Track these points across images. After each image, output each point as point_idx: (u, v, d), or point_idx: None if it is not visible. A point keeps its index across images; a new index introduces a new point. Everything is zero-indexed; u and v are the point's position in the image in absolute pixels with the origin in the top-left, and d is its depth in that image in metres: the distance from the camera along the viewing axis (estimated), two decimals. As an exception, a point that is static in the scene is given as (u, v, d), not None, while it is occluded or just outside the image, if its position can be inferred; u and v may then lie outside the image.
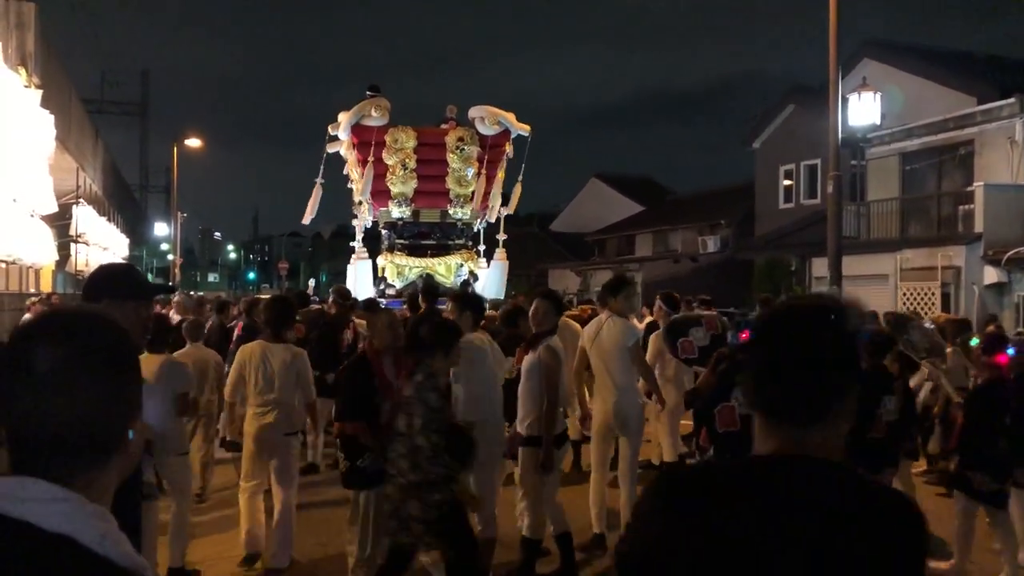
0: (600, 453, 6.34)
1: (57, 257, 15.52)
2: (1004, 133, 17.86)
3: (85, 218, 19.15)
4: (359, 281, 13.25)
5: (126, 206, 34.24)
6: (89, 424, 1.14)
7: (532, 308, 5.98)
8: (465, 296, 5.92)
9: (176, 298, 12.92)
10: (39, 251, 12.67)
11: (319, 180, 13.36)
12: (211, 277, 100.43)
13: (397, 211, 13.30)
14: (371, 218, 13.96)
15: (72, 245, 18.71)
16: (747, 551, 1.35)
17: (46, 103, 12.14)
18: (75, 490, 1.11)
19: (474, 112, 13.20)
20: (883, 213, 20.30)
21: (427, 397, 4.49)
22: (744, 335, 5.58)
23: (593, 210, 38.59)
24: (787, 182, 25.76)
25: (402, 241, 13.51)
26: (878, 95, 16.86)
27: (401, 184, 13.03)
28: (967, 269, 17.06)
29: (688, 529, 1.39)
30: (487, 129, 13.04)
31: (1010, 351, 5.61)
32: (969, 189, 17.95)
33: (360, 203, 13.68)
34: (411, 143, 12.89)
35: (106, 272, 3.00)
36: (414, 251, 13.46)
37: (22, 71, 11.88)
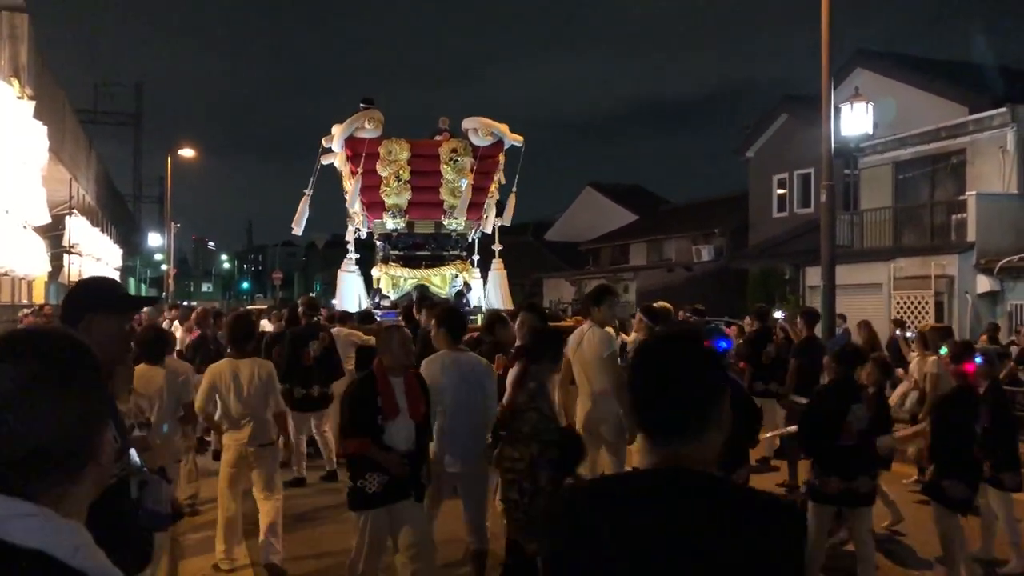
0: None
1: (50, 268, 15.48)
2: (996, 143, 17.94)
3: (78, 229, 19.10)
4: (346, 293, 13.29)
5: (119, 217, 34.17)
6: (55, 440, 1.15)
7: (518, 321, 6.01)
8: (443, 312, 5.86)
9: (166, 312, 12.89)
10: (32, 262, 12.63)
11: (307, 191, 13.22)
12: (205, 287, 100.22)
13: (392, 222, 13.31)
14: (366, 229, 13.95)
15: (65, 256, 18.65)
16: (635, 554, 1.53)
17: (39, 114, 12.14)
18: (46, 505, 1.11)
19: (467, 123, 13.17)
20: (876, 222, 20.37)
21: (541, 405, 4.75)
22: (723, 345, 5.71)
23: (587, 219, 38.64)
24: (780, 191, 25.84)
25: (397, 252, 13.51)
26: (871, 105, 16.89)
27: (395, 196, 13.02)
28: (960, 278, 17.12)
29: (586, 534, 1.59)
30: (480, 140, 12.99)
31: (978, 360, 5.77)
32: (962, 198, 18.02)
33: (351, 215, 13.66)
34: (405, 155, 12.87)
35: (88, 287, 3.01)
36: (409, 262, 13.47)
37: (15, 82, 11.86)
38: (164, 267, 44.10)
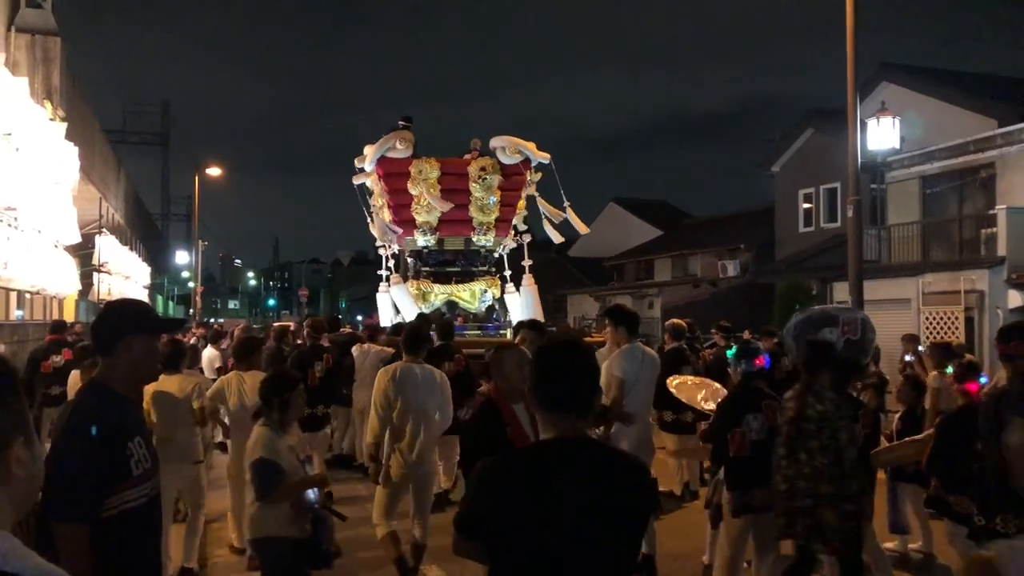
0: None
1: (80, 287, 15.67)
2: (1025, 155, 17.72)
3: (107, 247, 19.34)
4: (402, 304, 13.41)
5: (148, 235, 34.60)
6: None
7: (518, 337, 6.42)
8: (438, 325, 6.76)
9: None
10: (62, 281, 12.80)
11: (372, 211, 13.98)
12: (232, 304, 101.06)
13: (422, 239, 13.54)
14: (397, 247, 14.25)
15: (95, 274, 18.88)
16: (547, 504, 2.17)
17: (70, 135, 12.33)
18: None
19: (495, 142, 13.34)
20: (904, 237, 20.16)
21: (844, 414, 4.92)
22: (759, 361, 5.62)
23: (611, 235, 38.56)
24: (807, 206, 25.66)
25: (427, 268, 13.79)
26: (897, 119, 16.81)
27: (426, 213, 13.25)
28: (990, 293, 16.88)
29: (508, 493, 2.23)
30: (508, 159, 13.18)
31: (983, 379, 5.85)
32: (991, 212, 17.80)
33: (385, 233, 13.83)
34: (435, 173, 13.05)
35: (125, 309, 3.19)
36: (439, 278, 13.70)
37: (48, 105, 12.07)
38: (191, 284, 44.55)
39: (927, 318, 18.10)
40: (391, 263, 14.38)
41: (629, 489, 2.25)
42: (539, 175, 13.76)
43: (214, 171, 35.28)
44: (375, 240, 14.69)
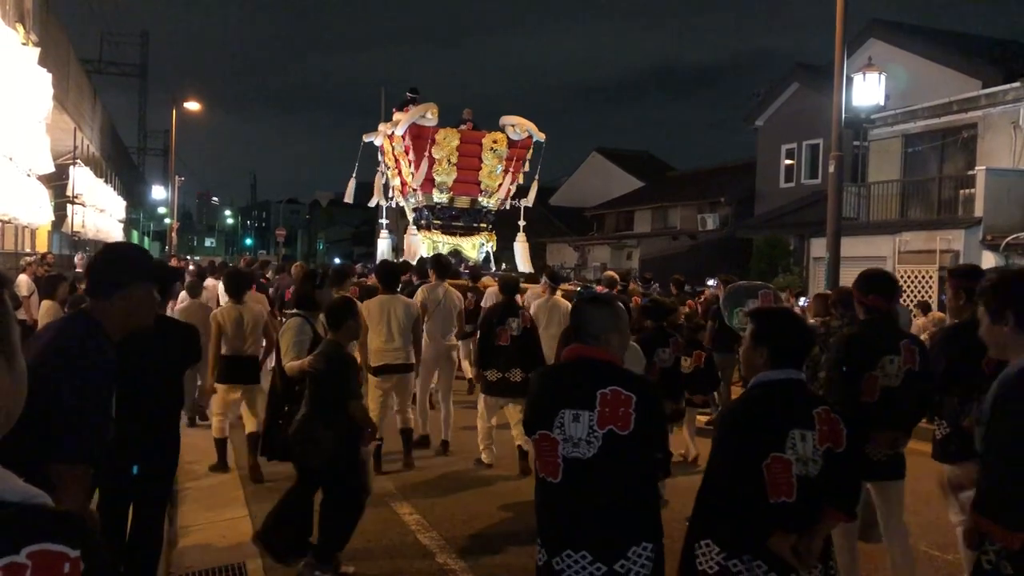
0: None
1: (53, 218, 15.45)
2: (1008, 117, 17.77)
3: (82, 179, 19.03)
4: (415, 250, 16.02)
5: (124, 168, 34.06)
6: None
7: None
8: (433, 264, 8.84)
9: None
10: (35, 211, 12.60)
11: (380, 168, 17.10)
12: (208, 242, 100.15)
13: (438, 196, 16.21)
14: (413, 202, 16.77)
15: (69, 206, 18.62)
16: (557, 396, 2.94)
17: (44, 61, 12.01)
18: None
19: (505, 120, 16.24)
20: (883, 195, 20.24)
21: None
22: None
23: (593, 185, 38.42)
24: (788, 161, 25.64)
25: (437, 221, 16.43)
26: (883, 75, 16.71)
27: (444, 175, 15.97)
28: (965, 253, 17.03)
29: (544, 385, 3.08)
30: (516, 135, 16.09)
31: None
32: (971, 173, 17.88)
33: (409, 187, 16.34)
34: (455, 142, 15.83)
35: (127, 256, 3.13)
36: (446, 230, 16.41)
37: (20, 28, 11.74)
38: (167, 221, 44.06)
39: (902, 276, 18.27)
40: (412, 215, 17.02)
41: (642, 396, 2.97)
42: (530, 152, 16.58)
43: (193, 106, 34.67)
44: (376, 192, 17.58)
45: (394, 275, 7.83)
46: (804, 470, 2.76)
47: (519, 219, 16.89)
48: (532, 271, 15.20)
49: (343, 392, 4.77)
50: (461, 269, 14.07)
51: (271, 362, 8.90)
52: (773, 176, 26.06)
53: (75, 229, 19.45)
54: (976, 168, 17.67)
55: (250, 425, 7.15)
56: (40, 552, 1.02)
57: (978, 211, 17.15)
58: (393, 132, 16.05)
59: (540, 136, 16.37)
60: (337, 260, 37.97)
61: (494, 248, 17.01)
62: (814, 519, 2.78)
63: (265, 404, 6.13)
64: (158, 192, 47.72)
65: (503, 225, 17.80)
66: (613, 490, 2.83)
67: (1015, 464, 2.40)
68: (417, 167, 15.72)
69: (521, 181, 16.87)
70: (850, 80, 15.18)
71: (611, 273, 11.49)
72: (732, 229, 26.17)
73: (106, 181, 24.65)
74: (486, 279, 12.01)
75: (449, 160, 15.81)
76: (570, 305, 8.18)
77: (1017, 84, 17.38)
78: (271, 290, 12.02)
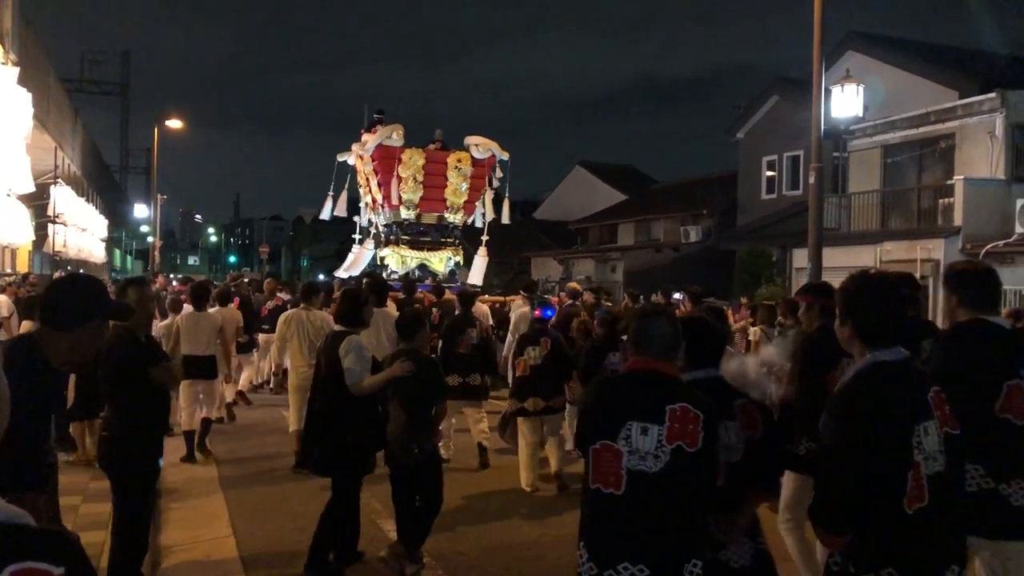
0: None
1: (34, 237, 15.37)
2: (984, 128, 17.96)
3: (63, 198, 18.94)
4: (360, 263, 17.61)
5: (106, 187, 33.92)
6: None
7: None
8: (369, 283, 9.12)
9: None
10: (16, 231, 12.53)
11: (330, 192, 17.75)
12: (191, 260, 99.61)
13: (405, 213, 16.88)
14: (383, 219, 17.44)
15: (50, 226, 18.51)
16: (623, 408, 2.97)
17: (23, 81, 11.98)
18: None
19: (469, 140, 17.02)
20: (864, 205, 20.40)
21: None
22: (537, 312, 8.97)
23: (577, 198, 38.50)
24: (770, 173, 25.82)
25: (405, 237, 17.05)
26: (861, 87, 16.92)
27: (411, 192, 16.63)
28: (946, 262, 17.13)
29: (608, 395, 3.16)
30: (480, 154, 16.82)
31: None
32: (949, 183, 18.06)
33: (379, 205, 17.18)
34: (420, 161, 16.48)
35: (85, 292, 3.11)
36: (414, 245, 17.07)
37: (-1, 48, 11.71)
38: (150, 239, 43.84)
39: (883, 286, 18.38)
40: (374, 231, 17.96)
41: (698, 408, 3.04)
42: (500, 174, 17.54)
43: (175, 124, 34.54)
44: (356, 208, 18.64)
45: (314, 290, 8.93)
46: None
47: (483, 234, 17.73)
48: (480, 285, 16.81)
49: (433, 393, 5.36)
50: (427, 282, 15.01)
51: (239, 361, 10.59)
52: (755, 188, 26.23)
53: (56, 249, 19.33)
54: (954, 178, 17.85)
55: (209, 414, 8.60)
56: (24, 571, 1.03)
57: (957, 220, 17.32)
58: (362, 153, 16.84)
59: (503, 155, 17.10)
60: (321, 276, 37.89)
61: (461, 262, 17.82)
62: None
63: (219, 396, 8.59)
64: (141, 210, 47.49)
65: (473, 241, 18.51)
66: (675, 505, 2.89)
67: (833, 471, 2.53)
68: (384, 186, 16.51)
69: (491, 197, 17.67)
70: (829, 92, 15.35)
71: (574, 284, 12.93)
72: (715, 241, 26.29)
73: (88, 200, 24.53)
74: (448, 293, 12.36)
75: (415, 179, 16.51)
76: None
77: (993, 95, 17.58)
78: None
